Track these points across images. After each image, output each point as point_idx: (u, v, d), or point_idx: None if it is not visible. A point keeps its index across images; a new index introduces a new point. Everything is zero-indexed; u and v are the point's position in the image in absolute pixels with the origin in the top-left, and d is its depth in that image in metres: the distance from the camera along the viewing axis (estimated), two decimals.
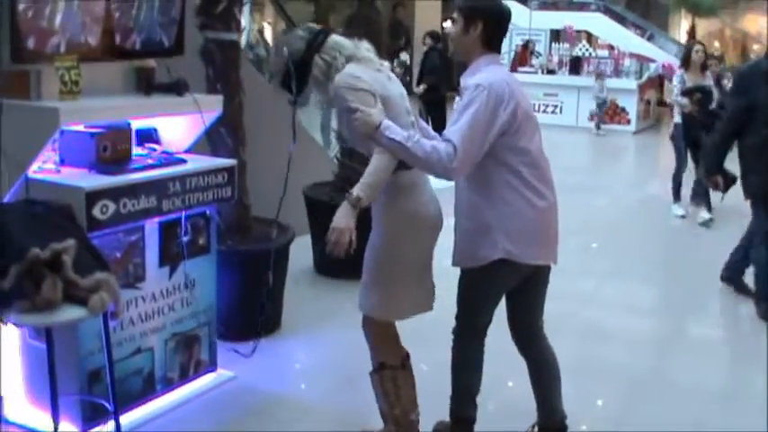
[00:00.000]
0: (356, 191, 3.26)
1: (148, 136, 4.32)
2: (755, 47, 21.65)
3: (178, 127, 4.38)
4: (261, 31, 21.43)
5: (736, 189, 5.99)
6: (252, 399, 4.41)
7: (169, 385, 4.24)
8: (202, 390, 4.40)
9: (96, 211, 3.55)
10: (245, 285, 4.92)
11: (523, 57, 17.86)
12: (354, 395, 4.32)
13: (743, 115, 5.77)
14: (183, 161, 4.12)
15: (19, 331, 3.72)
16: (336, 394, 4.52)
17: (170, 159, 4.10)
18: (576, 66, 17.27)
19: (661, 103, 18.51)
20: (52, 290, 3.08)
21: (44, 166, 3.74)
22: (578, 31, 18.12)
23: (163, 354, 4.17)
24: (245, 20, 6.74)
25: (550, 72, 17.43)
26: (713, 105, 8.54)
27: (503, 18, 3.53)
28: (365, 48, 3.55)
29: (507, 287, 3.59)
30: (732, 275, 6.50)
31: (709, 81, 8.95)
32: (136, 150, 4.09)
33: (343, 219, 3.26)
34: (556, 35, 18.44)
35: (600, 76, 16.15)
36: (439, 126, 9.60)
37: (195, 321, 4.34)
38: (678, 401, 4.57)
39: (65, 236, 3.27)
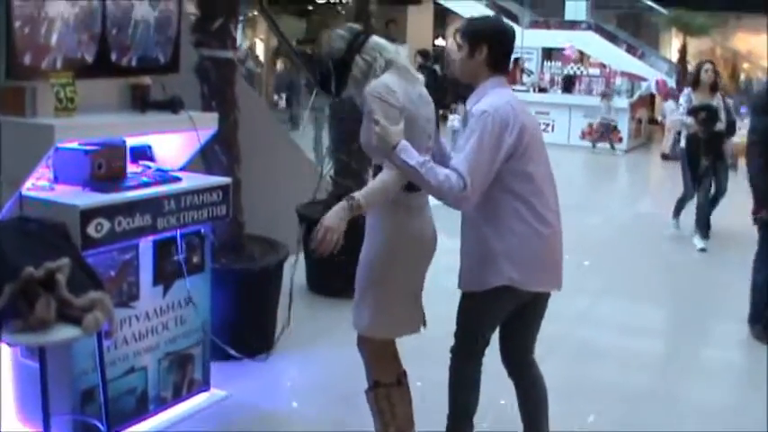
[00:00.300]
0: (358, 195, 3.24)
1: (142, 153, 4.30)
2: (745, 65, 21.79)
3: (172, 144, 4.36)
4: (252, 47, 21.49)
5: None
6: (245, 418, 4.37)
7: (162, 404, 4.20)
8: (196, 409, 4.36)
9: (91, 230, 3.52)
10: (240, 304, 4.88)
11: (513, 75, 17.90)
12: (349, 414, 4.29)
13: None
14: (178, 179, 4.10)
15: (11, 350, 3.68)
16: (331, 413, 4.48)
17: (165, 177, 4.08)
18: (568, 84, 17.34)
19: (652, 121, 18.59)
20: (46, 309, 3.05)
21: (38, 184, 3.72)
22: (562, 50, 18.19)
23: (156, 373, 4.14)
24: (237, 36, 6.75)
25: (542, 90, 17.50)
26: (720, 126, 8.33)
27: (507, 39, 3.52)
28: (404, 55, 3.54)
29: (508, 311, 3.57)
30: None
31: (718, 101, 8.52)
32: (130, 168, 4.07)
33: (336, 218, 3.21)
34: (548, 53, 18.51)
35: (606, 96, 16.22)
36: None
37: (189, 340, 4.31)
38: (673, 421, 4.55)
39: (59, 254, 3.24)
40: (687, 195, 8.67)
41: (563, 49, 18.14)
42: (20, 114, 3.63)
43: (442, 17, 24.75)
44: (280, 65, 15.31)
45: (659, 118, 17.75)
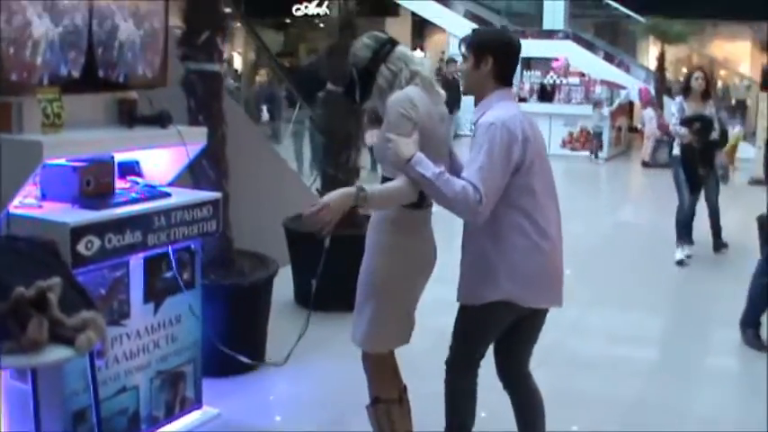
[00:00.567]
0: (368, 188, 3.20)
1: (130, 169, 4.24)
2: (722, 72, 21.96)
3: (160, 159, 4.29)
4: (230, 61, 21.41)
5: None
6: None
7: (154, 424, 4.12)
8: (188, 427, 4.29)
9: (81, 247, 3.45)
10: (230, 319, 4.82)
11: None
12: (342, 429, 4.23)
13: None
14: (168, 194, 4.04)
15: (0, 372, 3.60)
16: (324, 429, 4.43)
17: (154, 193, 4.02)
18: (543, 93, 17.40)
19: (631, 129, 18.68)
20: (38, 330, 2.97)
21: (25, 201, 3.64)
22: (547, 59, 18.22)
23: (148, 392, 4.06)
24: None
25: (522, 100, 17.51)
26: (714, 136, 8.17)
27: (513, 51, 3.49)
28: (429, 67, 3.51)
29: (505, 326, 3.53)
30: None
31: (710, 110, 8.33)
32: (118, 184, 4.00)
33: (338, 200, 3.15)
34: (527, 63, 18.55)
35: (598, 105, 16.30)
36: None
37: (180, 358, 4.24)
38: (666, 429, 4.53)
39: (49, 273, 3.17)
40: (683, 205, 8.28)
41: (548, 60, 18.15)
42: (6, 131, 3.55)
43: (420, 28, 24.83)
44: (259, 78, 15.23)
45: (639, 126, 17.84)
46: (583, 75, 17.64)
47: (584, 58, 18.44)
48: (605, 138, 16.39)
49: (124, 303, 3.86)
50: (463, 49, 3.46)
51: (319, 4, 24.05)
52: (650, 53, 21.37)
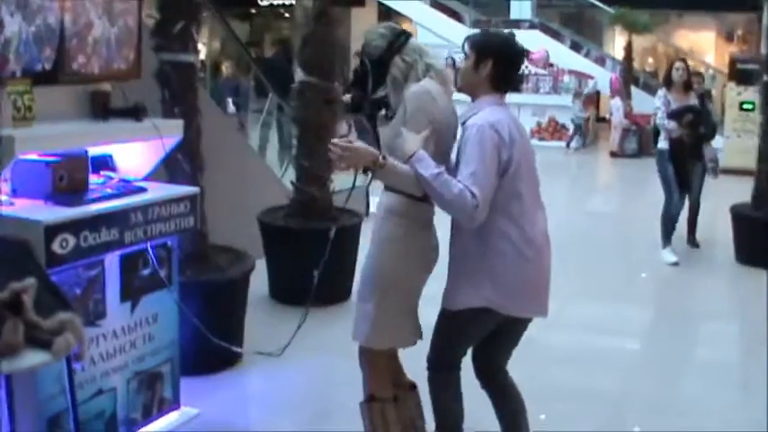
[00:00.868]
0: (389, 159, 3.19)
1: (103, 163, 4.10)
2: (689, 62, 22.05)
3: (135, 153, 4.16)
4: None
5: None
6: None
7: (132, 426, 4.00)
8: (167, 428, 4.19)
9: (56, 246, 3.31)
10: (207, 316, 4.69)
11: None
12: (324, 428, 4.15)
13: None
14: (143, 189, 3.91)
15: None
16: (305, 428, 4.34)
17: (129, 188, 3.89)
18: None
19: (599, 119, 18.70)
20: (13, 333, 2.83)
21: None
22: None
23: (125, 394, 3.94)
24: None
25: None
26: (702, 129, 7.84)
27: (515, 58, 3.46)
28: (442, 60, 3.48)
29: (485, 332, 3.48)
30: None
31: (693, 101, 7.96)
32: (92, 179, 3.86)
33: (364, 151, 3.20)
34: None
35: (579, 95, 16.29)
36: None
37: (158, 358, 4.12)
38: (649, 424, 4.50)
39: (23, 274, 3.03)
40: (671, 202, 7.92)
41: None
42: None
43: (387, 17, 24.69)
44: (225, 69, 14.99)
45: (606, 115, 17.86)
46: (551, 65, 17.60)
47: (552, 47, 18.39)
48: (572, 128, 16.43)
49: (100, 303, 3.74)
50: (466, 47, 3.42)
51: None
52: (616, 43, 21.39)
